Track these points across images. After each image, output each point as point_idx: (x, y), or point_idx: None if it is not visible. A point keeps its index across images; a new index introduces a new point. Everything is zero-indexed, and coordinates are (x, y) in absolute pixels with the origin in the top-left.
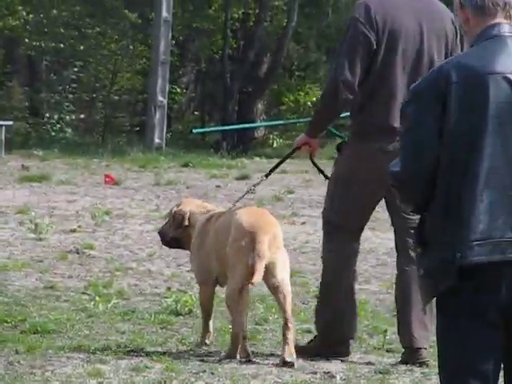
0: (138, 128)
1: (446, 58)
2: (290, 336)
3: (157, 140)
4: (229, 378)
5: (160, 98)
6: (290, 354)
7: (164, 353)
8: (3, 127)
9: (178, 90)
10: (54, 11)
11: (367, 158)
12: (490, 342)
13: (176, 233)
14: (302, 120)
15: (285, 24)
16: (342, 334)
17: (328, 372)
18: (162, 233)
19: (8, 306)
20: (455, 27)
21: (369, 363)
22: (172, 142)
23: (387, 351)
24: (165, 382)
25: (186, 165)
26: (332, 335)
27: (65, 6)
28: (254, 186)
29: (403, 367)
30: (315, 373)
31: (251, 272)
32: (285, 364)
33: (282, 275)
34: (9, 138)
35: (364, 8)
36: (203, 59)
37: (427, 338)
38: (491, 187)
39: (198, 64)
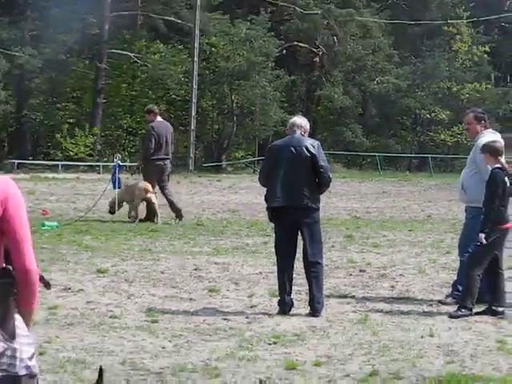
0: None
1: (170, 141)
2: None
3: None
4: None
5: None
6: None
7: None
8: None
9: None
10: None
11: (157, 168)
12: (289, 233)
13: None
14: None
15: None
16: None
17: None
18: None
19: None
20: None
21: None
22: None
23: None
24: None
25: None
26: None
27: None
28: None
29: None
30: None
31: None
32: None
33: None
34: None
35: (151, 126)
36: None
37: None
38: (281, 182)
39: None
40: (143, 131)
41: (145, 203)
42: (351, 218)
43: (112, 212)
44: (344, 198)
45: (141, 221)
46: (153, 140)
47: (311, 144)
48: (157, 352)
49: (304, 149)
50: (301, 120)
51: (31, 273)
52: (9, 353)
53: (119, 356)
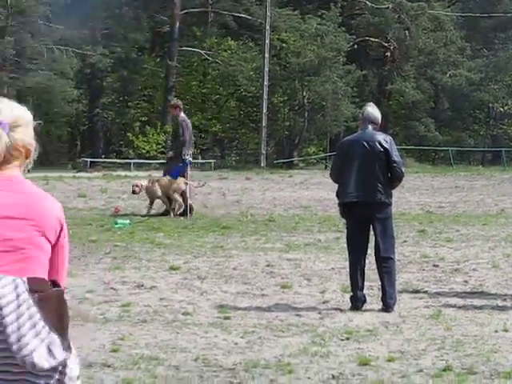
0: None
1: None
2: None
3: None
4: None
5: None
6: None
7: None
8: None
9: None
10: None
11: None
12: (362, 228)
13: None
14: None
15: None
16: None
17: None
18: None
19: None
20: None
21: None
22: None
23: None
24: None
25: None
26: None
27: None
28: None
29: None
30: None
31: None
32: None
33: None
34: None
35: (183, 120)
36: None
37: None
38: (354, 177)
39: None
40: (214, 128)
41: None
42: (424, 213)
43: (135, 192)
44: (417, 193)
45: (163, 214)
46: (186, 134)
47: (384, 139)
48: (229, 348)
49: (377, 143)
50: (375, 115)
51: None
52: (60, 368)
53: (192, 352)
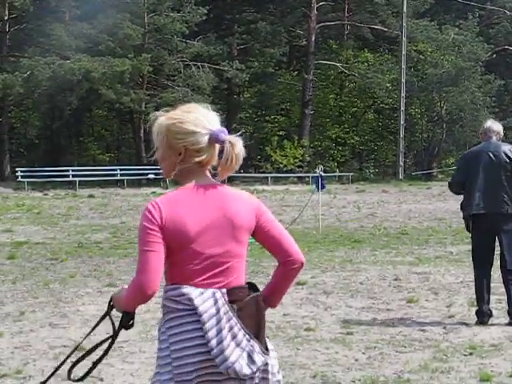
0: None
1: None
2: None
3: None
4: None
5: None
6: None
7: None
8: None
9: None
10: None
11: None
12: (487, 241)
13: None
14: None
15: None
16: None
17: None
18: None
19: None
20: None
21: None
22: None
23: None
24: None
25: None
26: None
27: None
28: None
29: None
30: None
31: None
32: None
33: None
34: None
35: None
36: None
37: None
38: (480, 188)
39: None
40: (352, 141)
41: None
42: None
43: None
44: None
45: None
46: None
47: (509, 149)
48: (349, 365)
49: (502, 154)
50: (497, 125)
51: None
52: (262, 367)
53: (311, 369)
